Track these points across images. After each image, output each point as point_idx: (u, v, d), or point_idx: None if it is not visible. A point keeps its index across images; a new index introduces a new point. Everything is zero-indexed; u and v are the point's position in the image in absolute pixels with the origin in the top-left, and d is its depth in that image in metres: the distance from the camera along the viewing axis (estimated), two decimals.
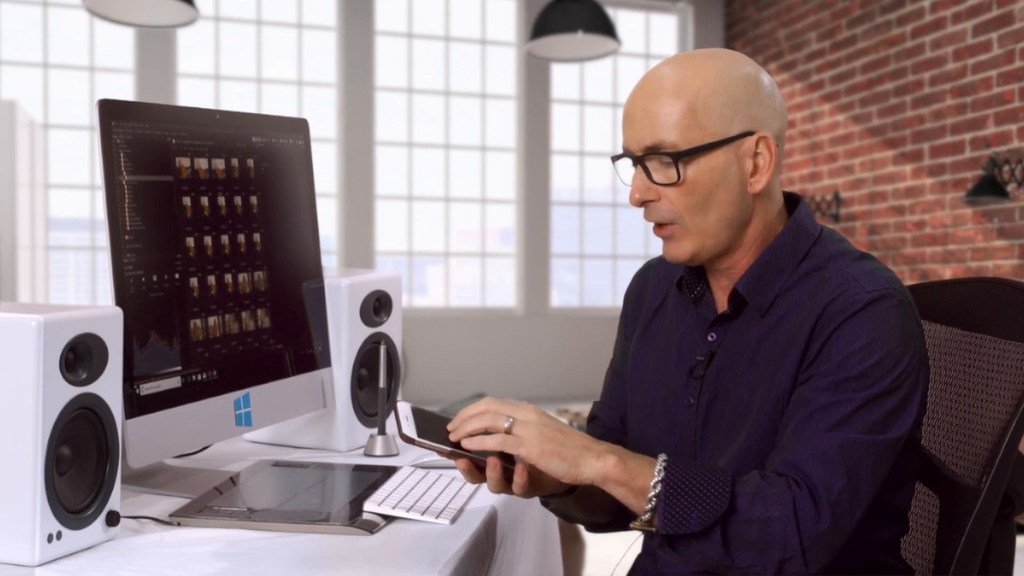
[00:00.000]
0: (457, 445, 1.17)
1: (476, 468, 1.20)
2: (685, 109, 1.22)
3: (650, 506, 1.14)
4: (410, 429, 1.17)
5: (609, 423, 1.44)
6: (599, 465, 1.14)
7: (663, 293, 1.42)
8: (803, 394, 1.19)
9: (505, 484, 1.19)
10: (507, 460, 1.18)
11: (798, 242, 1.28)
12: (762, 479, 1.15)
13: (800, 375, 1.21)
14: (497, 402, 1.17)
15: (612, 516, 1.40)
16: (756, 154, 1.24)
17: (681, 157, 1.22)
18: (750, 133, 1.24)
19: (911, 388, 1.20)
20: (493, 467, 1.17)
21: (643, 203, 1.27)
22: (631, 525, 1.17)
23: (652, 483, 1.14)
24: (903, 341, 1.19)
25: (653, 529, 1.15)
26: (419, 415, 1.22)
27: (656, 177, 1.24)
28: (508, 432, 1.15)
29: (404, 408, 1.21)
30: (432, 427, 1.21)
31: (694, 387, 1.30)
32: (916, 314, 1.24)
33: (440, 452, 1.18)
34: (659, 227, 1.28)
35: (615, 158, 1.33)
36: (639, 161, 1.25)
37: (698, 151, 1.22)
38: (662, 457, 1.16)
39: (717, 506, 1.13)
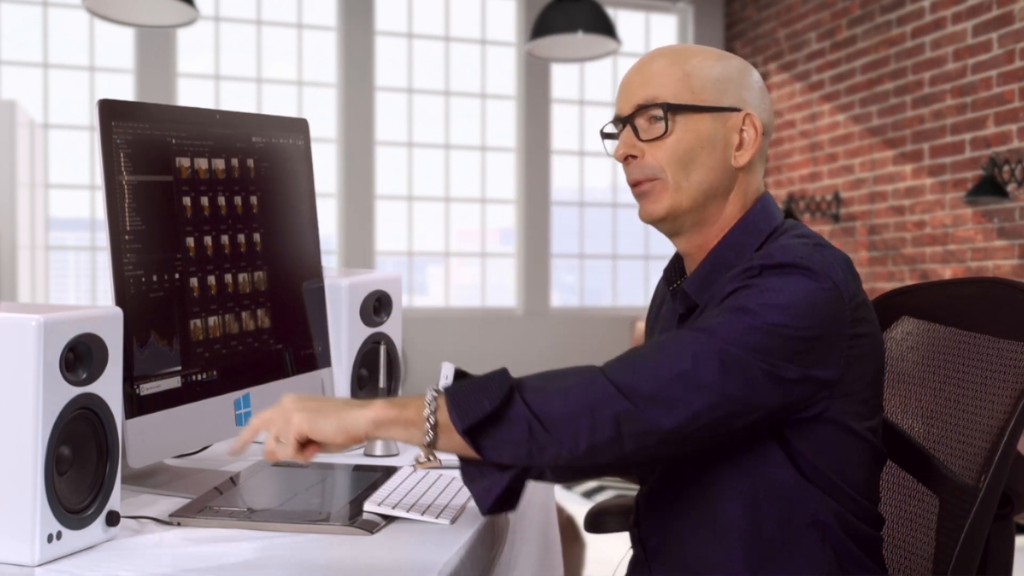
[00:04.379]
0: None
1: None
2: (680, 74, 1.28)
3: (430, 423, 1.11)
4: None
5: None
6: (367, 412, 1.13)
7: (663, 294, 1.47)
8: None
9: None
10: None
11: (747, 238, 1.28)
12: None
13: None
14: (260, 416, 1.19)
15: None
16: (742, 130, 1.29)
17: (671, 109, 1.26)
18: (738, 110, 1.29)
19: (814, 360, 1.14)
20: None
21: (627, 157, 1.30)
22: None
23: (427, 399, 1.13)
24: (812, 312, 1.13)
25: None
26: (461, 378, 1.27)
27: (643, 135, 1.28)
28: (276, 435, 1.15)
29: (447, 368, 1.25)
30: None
31: None
32: (843, 305, 1.17)
33: None
34: (638, 185, 1.30)
35: (604, 134, 1.37)
36: (628, 120, 1.29)
37: (687, 108, 1.26)
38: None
39: (505, 382, 1.11)
